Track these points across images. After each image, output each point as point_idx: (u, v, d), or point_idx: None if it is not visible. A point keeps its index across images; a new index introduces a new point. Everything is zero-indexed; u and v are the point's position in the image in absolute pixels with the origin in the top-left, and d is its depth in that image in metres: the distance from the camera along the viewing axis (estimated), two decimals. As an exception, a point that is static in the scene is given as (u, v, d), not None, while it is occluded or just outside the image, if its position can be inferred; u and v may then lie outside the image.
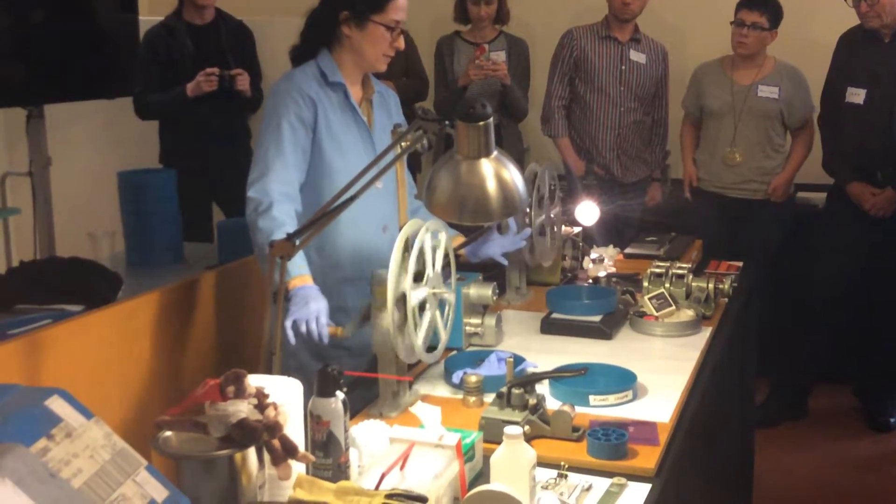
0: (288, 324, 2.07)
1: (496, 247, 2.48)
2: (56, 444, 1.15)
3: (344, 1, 2.35)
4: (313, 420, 1.56)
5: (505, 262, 2.51)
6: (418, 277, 1.98)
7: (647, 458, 1.74)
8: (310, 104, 2.34)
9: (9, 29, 3.43)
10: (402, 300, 1.92)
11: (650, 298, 2.52)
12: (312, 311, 2.09)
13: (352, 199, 1.87)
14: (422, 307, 1.99)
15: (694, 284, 2.61)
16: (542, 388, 2.00)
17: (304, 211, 2.36)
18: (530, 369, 2.12)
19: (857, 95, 3.83)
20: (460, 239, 2.53)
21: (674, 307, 2.51)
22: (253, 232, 2.25)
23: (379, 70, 2.45)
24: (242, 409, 1.41)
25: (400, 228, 2.00)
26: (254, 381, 1.48)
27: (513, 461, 1.51)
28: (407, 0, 2.36)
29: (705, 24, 4.54)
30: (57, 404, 1.19)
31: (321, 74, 2.39)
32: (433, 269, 2.01)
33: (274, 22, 4.45)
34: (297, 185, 2.33)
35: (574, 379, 2.03)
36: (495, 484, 1.46)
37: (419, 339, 1.97)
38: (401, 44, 2.39)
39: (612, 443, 1.73)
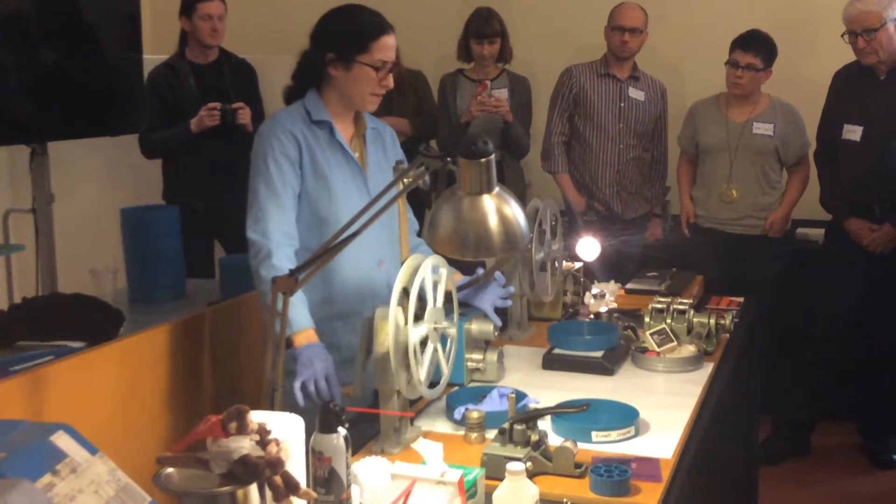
0: (296, 385, 2.09)
1: (487, 302, 2.42)
2: (61, 480, 1.15)
3: (330, 43, 2.35)
4: (315, 456, 1.56)
5: (498, 322, 2.42)
6: (419, 315, 1.98)
7: (650, 494, 1.73)
8: (293, 141, 2.36)
9: (14, 67, 3.46)
10: (403, 340, 1.92)
11: (652, 334, 2.53)
12: (319, 371, 2.12)
13: (354, 235, 1.88)
14: (423, 343, 1.99)
15: (695, 320, 2.62)
16: (545, 424, 2.00)
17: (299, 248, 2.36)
18: (532, 405, 2.12)
19: (853, 132, 3.85)
20: (458, 276, 2.52)
21: (675, 343, 2.51)
22: (256, 280, 2.29)
23: (368, 110, 2.43)
24: (244, 445, 1.41)
25: (402, 263, 2.01)
26: (256, 417, 1.48)
27: (515, 498, 1.51)
28: (394, 38, 2.35)
29: (704, 62, 4.58)
30: (62, 440, 1.19)
31: (306, 113, 2.40)
32: (433, 305, 2.01)
33: (277, 60, 4.49)
34: (294, 223, 2.35)
35: (576, 415, 2.03)
36: (498, 520, 1.45)
37: (422, 375, 1.97)
38: (389, 82, 2.35)
39: (615, 479, 1.73)
